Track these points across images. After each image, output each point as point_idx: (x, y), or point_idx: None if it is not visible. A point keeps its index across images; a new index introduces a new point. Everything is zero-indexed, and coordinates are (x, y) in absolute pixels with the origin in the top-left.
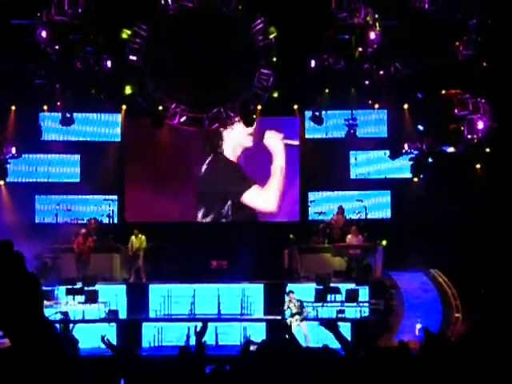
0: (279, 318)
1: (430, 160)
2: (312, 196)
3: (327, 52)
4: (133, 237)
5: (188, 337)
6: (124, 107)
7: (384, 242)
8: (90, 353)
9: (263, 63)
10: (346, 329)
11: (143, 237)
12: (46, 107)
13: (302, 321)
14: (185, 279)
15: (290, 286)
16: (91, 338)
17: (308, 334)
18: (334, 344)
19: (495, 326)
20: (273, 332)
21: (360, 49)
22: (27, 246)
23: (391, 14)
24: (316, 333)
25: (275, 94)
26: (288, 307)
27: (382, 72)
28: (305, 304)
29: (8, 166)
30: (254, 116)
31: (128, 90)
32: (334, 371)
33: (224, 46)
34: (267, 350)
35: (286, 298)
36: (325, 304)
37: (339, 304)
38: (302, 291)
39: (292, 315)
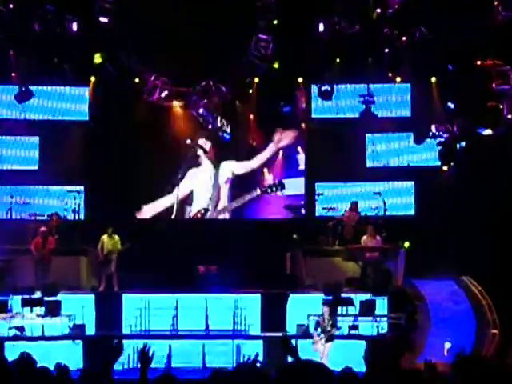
0: (279, 334)
1: (462, 145)
2: (320, 188)
3: (339, 14)
4: (105, 236)
5: (169, 357)
6: (92, 79)
7: (406, 244)
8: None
9: (261, 27)
10: (360, 347)
11: (117, 237)
12: None
13: (327, 341)
14: (165, 288)
15: (292, 297)
16: (52, 358)
17: (327, 357)
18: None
19: None
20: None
21: (378, 10)
22: None
23: None
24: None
25: (276, 65)
26: (318, 322)
27: (404, 38)
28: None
29: None
30: (250, 91)
31: (98, 58)
32: None
33: (214, 6)
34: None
35: (322, 309)
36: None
37: (352, 318)
38: (307, 302)
39: (321, 332)
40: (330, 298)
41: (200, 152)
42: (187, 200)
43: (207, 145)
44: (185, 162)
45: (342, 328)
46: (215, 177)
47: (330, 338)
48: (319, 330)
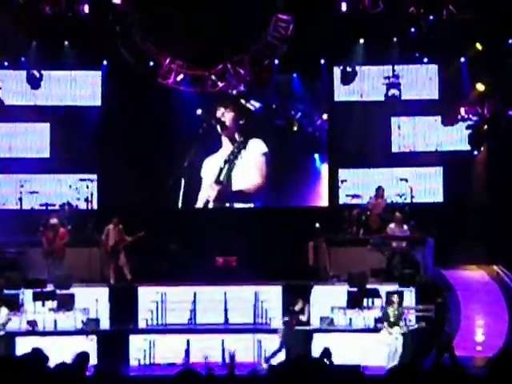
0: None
1: (492, 128)
2: (343, 174)
3: None
4: (110, 226)
5: (187, 352)
6: (105, 63)
7: (435, 233)
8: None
9: (281, 5)
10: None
11: (121, 226)
12: (6, 63)
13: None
14: (183, 280)
15: (316, 288)
16: (65, 353)
17: (398, 351)
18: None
19: None
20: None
21: None
22: None
23: None
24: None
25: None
26: (386, 311)
27: (431, 17)
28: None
29: None
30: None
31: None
32: None
33: None
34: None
35: (390, 299)
36: (360, 311)
37: (378, 310)
38: (331, 294)
39: (389, 324)
40: (355, 289)
41: (218, 127)
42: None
43: (227, 116)
44: (194, 144)
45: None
46: (230, 159)
47: (404, 333)
48: (389, 320)
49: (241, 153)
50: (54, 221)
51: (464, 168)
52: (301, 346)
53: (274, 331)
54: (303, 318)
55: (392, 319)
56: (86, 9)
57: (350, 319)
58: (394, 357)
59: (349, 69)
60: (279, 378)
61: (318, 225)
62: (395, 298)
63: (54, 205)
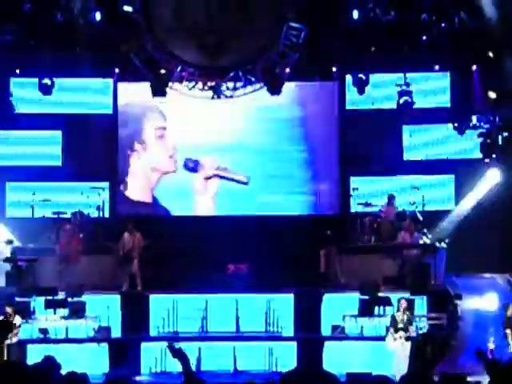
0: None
1: (504, 135)
2: (355, 183)
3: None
4: (126, 233)
5: (199, 360)
6: (117, 71)
7: (447, 240)
8: None
9: (293, 14)
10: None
11: (138, 234)
12: (18, 71)
13: (407, 340)
14: (194, 288)
15: (327, 296)
16: (76, 361)
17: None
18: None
19: None
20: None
21: None
22: None
23: None
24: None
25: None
26: (394, 318)
27: (443, 24)
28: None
29: None
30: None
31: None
32: None
33: None
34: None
35: (399, 304)
36: (371, 319)
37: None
38: (342, 302)
39: (395, 329)
40: (367, 297)
41: None
42: None
43: None
44: None
45: (418, 327)
46: None
47: (408, 338)
48: (397, 326)
49: None
50: (67, 226)
51: (475, 176)
52: None
53: (286, 339)
54: None
55: (400, 325)
56: (98, 16)
57: (362, 327)
58: (402, 364)
59: (361, 76)
60: None
61: (329, 232)
62: (403, 304)
63: (65, 213)
